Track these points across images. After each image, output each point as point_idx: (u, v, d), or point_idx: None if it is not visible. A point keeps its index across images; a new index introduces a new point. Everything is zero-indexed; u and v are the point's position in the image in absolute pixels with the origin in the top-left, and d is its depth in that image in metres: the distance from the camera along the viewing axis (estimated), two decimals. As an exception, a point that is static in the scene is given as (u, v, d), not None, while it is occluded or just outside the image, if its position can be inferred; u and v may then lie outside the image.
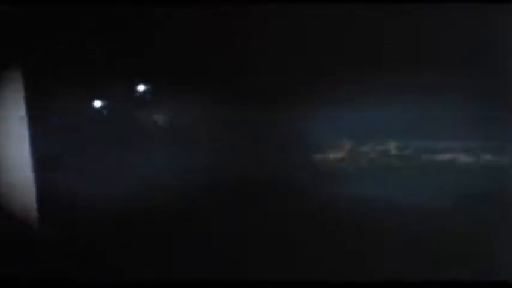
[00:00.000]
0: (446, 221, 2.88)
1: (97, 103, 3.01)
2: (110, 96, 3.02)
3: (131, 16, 2.98)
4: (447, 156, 2.90)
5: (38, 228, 2.94)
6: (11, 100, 2.98)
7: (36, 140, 2.98)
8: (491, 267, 2.83)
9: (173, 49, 3.01)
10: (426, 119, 2.91)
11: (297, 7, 2.94)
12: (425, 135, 2.92)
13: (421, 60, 2.93)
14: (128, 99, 3.03)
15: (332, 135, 2.95)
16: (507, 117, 2.89)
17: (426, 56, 2.93)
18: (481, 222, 2.87)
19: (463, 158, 2.89)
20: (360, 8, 2.91)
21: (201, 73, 3.01)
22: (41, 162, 2.96)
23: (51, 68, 3.01)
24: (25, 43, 2.99)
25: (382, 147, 2.95)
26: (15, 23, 2.96)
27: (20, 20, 2.96)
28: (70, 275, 2.89)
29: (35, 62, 3.00)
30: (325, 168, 2.95)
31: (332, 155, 2.97)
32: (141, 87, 3.03)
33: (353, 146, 2.96)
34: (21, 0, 2.93)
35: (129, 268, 2.92)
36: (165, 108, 3.02)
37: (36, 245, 2.93)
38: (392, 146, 2.93)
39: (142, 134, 3.01)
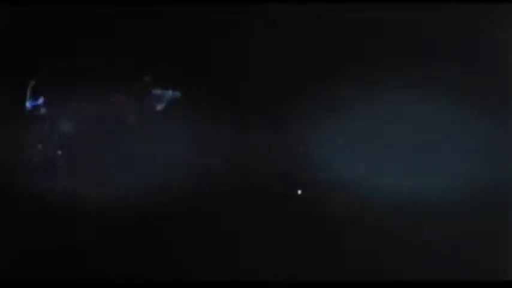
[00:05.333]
0: (445, 221, 2.87)
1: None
2: (108, 96, 3.02)
3: (129, 15, 2.97)
4: (446, 156, 2.90)
5: (37, 229, 2.94)
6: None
7: (34, 138, 2.98)
8: (493, 268, 2.83)
9: (173, 48, 3.01)
10: (425, 119, 2.90)
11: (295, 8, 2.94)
12: (424, 135, 2.92)
13: (420, 60, 2.93)
14: (126, 98, 3.02)
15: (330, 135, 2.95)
16: (507, 116, 2.88)
17: (425, 56, 2.93)
18: (481, 223, 2.86)
19: (463, 157, 2.89)
20: (356, 8, 2.91)
21: (199, 73, 3.01)
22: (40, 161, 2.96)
23: (49, 68, 3.01)
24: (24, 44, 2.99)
25: (380, 147, 2.95)
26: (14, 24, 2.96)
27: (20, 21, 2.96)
28: (68, 276, 2.89)
29: (32, 62, 3.00)
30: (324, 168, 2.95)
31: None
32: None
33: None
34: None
35: (128, 268, 2.92)
36: (163, 108, 3.02)
37: (35, 245, 2.93)
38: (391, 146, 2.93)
39: (140, 133, 3.01)
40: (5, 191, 2.93)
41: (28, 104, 3.00)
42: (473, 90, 2.88)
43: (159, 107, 3.02)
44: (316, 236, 2.93)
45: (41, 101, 3.00)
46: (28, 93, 3.00)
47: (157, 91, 3.03)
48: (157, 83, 3.02)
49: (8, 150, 2.96)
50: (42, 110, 3.00)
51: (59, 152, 2.98)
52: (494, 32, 2.89)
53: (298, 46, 2.96)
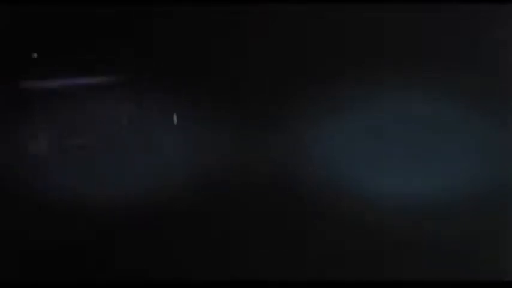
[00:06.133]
0: (445, 221, 2.88)
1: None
2: (110, 96, 3.02)
3: (129, 16, 2.98)
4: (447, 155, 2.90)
5: (37, 229, 2.94)
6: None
7: (35, 139, 2.98)
8: (493, 268, 2.83)
9: (172, 48, 3.01)
10: (425, 119, 2.90)
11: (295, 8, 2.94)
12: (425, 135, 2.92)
13: (420, 60, 2.93)
14: (128, 99, 3.02)
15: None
16: (507, 116, 2.89)
17: (425, 56, 2.93)
18: (481, 223, 2.87)
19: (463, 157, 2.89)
20: (357, 8, 2.91)
21: (200, 73, 3.01)
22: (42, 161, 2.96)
23: (52, 68, 3.01)
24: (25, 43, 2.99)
25: (380, 148, 2.95)
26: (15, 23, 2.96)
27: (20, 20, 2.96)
28: (69, 276, 2.89)
29: (36, 62, 3.00)
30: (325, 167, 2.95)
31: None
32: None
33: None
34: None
35: (128, 268, 2.92)
36: (163, 108, 3.02)
37: (35, 245, 2.93)
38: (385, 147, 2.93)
39: (142, 134, 3.01)
40: (6, 192, 2.93)
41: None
42: (473, 90, 2.88)
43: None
44: (317, 236, 2.93)
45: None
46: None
47: (157, 91, 3.03)
48: (156, 83, 3.02)
49: (7, 151, 2.96)
50: (42, 110, 3.00)
51: (59, 153, 2.98)
52: (494, 32, 2.89)
53: (298, 46, 2.96)
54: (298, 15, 2.94)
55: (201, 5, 2.94)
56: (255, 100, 2.98)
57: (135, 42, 3.00)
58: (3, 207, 2.91)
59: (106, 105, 3.00)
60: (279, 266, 2.90)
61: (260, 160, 2.94)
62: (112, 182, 2.94)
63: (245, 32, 2.97)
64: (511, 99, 2.90)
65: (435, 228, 2.87)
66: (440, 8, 2.88)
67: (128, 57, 3.01)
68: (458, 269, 2.83)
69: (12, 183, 2.93)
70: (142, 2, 2.96)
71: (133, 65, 3.01)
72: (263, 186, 2.93)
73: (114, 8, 2.96)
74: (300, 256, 2.93)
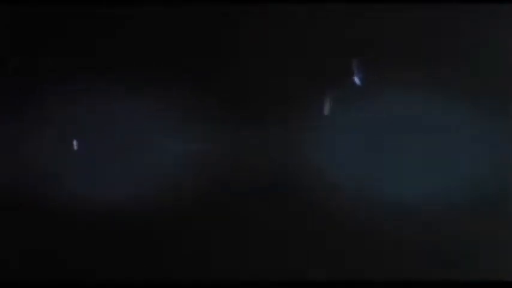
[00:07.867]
0: (445, 221, 2.88)
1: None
2: (107, 96, 3.02)
3: (129, 16, 2.98)
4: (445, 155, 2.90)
5: (37, 230, 2.94)
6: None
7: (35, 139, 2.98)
8: (493, 268, 2.83)
9: (173, 48, 3.01)
10: (426, 119, 2.91)
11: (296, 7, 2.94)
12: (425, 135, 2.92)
13: (420, 60, 2.93)
14: (125, 98, 3.02)
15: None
16: (507, 116, 2.89)
17: (425, 56, 2.93)
18: (481, 223, 2.87)
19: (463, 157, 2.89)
20: (356, 8, 2.91)
21: (199, 73, 3.01)
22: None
23: (51, 68, 3.01)
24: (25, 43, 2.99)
25: (380, 148, 2.95)
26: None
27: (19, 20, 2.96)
28: (68, 275, 2.89)
29: (35, 62, 3.00)
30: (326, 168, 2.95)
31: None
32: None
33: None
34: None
35: (128, 268, 2.92)
36: (161, 107, 3.02)
37: (35, 245, 2.93)
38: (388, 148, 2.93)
39: (141, 134, 3.01)
40: (5, 192, 2.93)
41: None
42: (473, 90, 2.88)
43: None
44: (317, 236, 2.93)
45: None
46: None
47: (157, 91, 3.02)
48: (155, 82, 3.02)
49: (6, 152, 2.96)
50: (39, 111, 3.00)
51: (57, 154, 2.98)
52: (494, 32, 2.89)
53: (298, 46, 2.96)
54: (298, 15, 2.95)
55: (201, 5, 2.94)
56: (255, 100, 2.98)
57: (136, 42, 3.00)
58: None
59: (103, 105, 3.00)
60: (279, 266, 2.90)
61: (260, 160, 2.94)
62: (109, 183, 2.94)
63: (245, 32, 2.97)
64: (511, 99, 2.90)
65: (436, 229, 2.87)
66: (440, 8, 2.88)
67: (128, 57, 3.01)
68: (459, 269, 2.83)
69: (10, 184, 2.93)
70: (143, 3, 2.96)
71: (132, 64, 3.01)
72: (263, 186, 2.93)
73: (113, 8, 2.96)
74: (300, 256, 2.93)
